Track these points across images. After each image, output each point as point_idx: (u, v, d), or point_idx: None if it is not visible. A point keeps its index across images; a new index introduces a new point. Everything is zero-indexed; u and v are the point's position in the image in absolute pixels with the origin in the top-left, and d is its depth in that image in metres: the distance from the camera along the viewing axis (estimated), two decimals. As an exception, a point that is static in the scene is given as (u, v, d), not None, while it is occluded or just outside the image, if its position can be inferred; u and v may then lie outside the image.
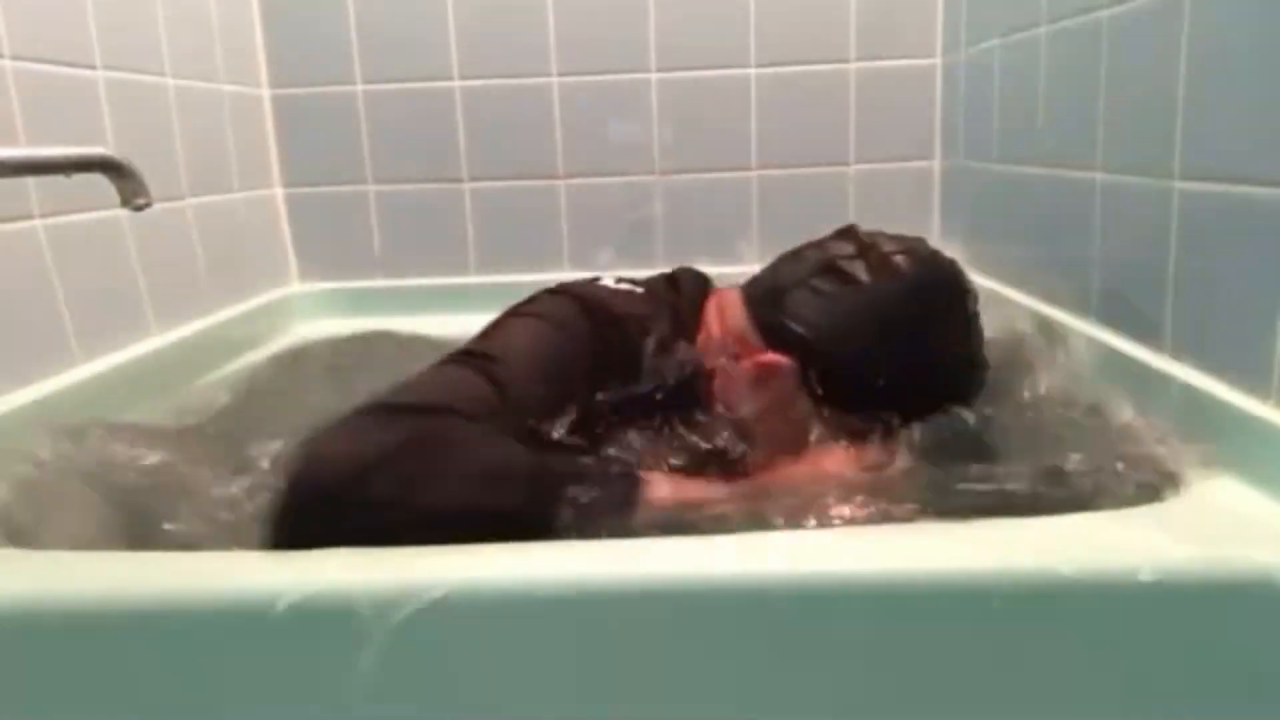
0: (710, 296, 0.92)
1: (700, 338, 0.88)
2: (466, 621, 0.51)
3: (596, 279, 0.90)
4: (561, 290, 0.85)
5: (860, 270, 0.82)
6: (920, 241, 0.87)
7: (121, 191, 0.70)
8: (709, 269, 1.54)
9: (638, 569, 0.52)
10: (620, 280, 0.90)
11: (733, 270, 1.47)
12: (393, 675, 0.51)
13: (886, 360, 0.78)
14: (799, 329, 0.82)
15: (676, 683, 0.52)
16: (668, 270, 0.97)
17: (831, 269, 0.83)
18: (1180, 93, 0.73)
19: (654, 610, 0.51)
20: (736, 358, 0.84)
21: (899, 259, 0.83)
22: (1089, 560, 0.51)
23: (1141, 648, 0.51)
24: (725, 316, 0.88)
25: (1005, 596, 0.50)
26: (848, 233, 0.88)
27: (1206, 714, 0.52)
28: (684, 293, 0.91)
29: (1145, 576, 0.50)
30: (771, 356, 0.82)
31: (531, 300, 0.84)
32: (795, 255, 0.89)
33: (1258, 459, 0.61)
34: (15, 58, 0.88)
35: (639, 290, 0.89)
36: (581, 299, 0.82)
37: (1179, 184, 0.74)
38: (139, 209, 0.71)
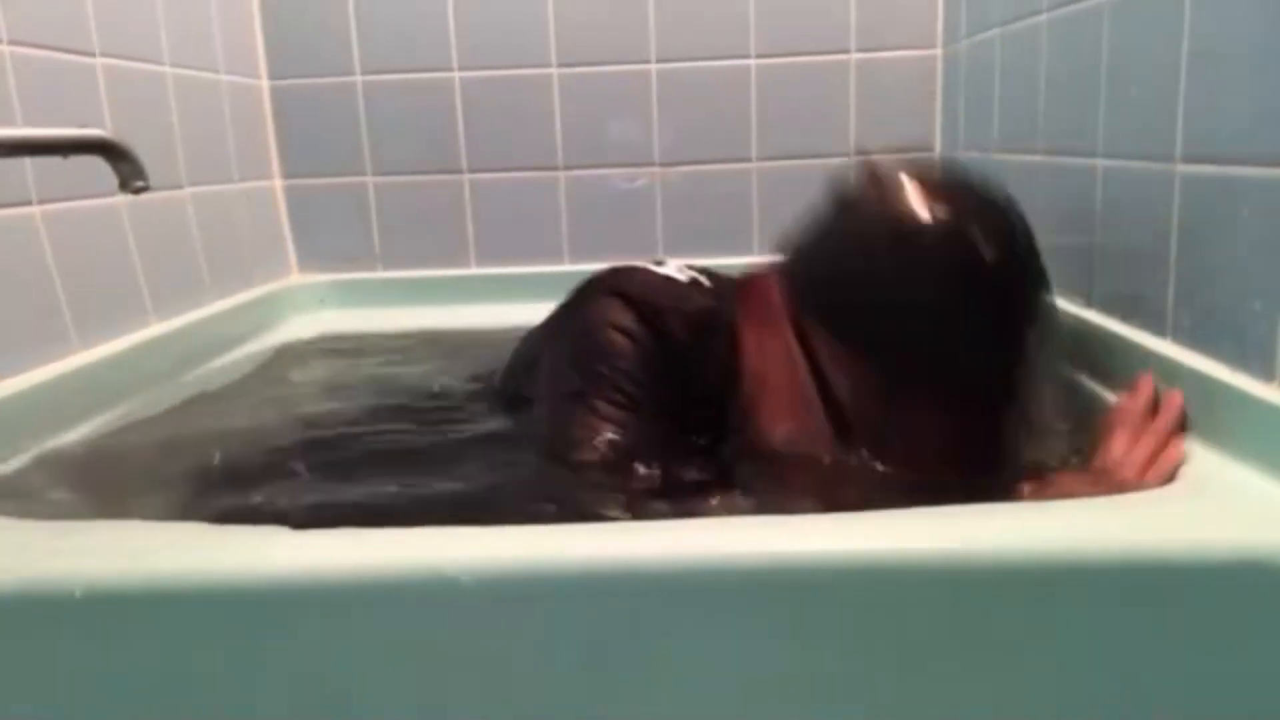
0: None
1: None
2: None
3: (660, 262, 0.89)
4: (621, 296, 0.81)
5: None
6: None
7: (119, 174, 0.69)
8: (709, 261, 1.53)
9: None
10: (695, 274, 0.89)
11: (733, 262, 1.47)
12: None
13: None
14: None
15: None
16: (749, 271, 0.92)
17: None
18: (1182, 75, 0.73)
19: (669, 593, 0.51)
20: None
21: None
22: (1093, 545, 0.50)
23: (1145, 631, 0.51)
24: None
25: (1003, 580, 0.50)
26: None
27: (1210, 700, 0.52)
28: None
29: (1150, 560, 0.50)
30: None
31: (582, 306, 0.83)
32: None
33: (1263, 443, 0.61)
34: (13, 43, 0.87)
35: (705, 283, 0.88)
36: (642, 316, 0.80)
37: (1181, 167, 0.73)
38: (137, 192, 0.70)
